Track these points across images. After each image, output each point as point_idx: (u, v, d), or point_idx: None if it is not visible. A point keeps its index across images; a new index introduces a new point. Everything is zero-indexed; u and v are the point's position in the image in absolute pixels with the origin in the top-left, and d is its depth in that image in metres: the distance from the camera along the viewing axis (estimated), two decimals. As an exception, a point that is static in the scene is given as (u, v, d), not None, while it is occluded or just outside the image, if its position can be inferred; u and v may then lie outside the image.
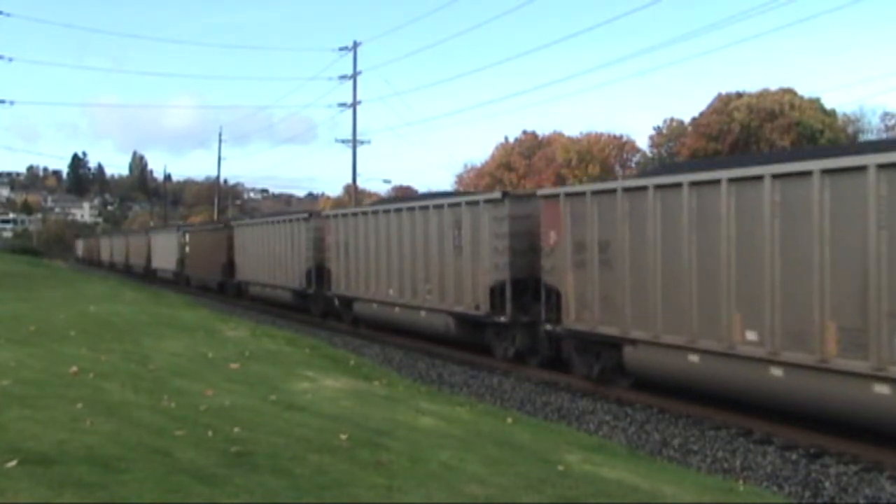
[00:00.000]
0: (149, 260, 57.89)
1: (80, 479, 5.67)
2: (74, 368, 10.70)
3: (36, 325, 15.73)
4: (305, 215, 30.33)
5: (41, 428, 7.15)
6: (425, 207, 21.29)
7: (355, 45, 47.83)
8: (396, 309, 22.61)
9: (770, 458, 11.07)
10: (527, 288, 17.51)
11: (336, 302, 27.18)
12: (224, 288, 40.93)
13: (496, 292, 17.98)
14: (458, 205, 19.82)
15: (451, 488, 6.34)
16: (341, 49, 48.43)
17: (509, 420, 11.20)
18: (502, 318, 17.89)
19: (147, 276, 57.62)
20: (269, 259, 33.38)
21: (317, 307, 29.17)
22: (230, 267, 39.55)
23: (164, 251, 52.85)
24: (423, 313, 21.19)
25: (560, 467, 7.77)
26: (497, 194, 18.47)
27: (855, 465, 10.56)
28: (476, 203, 19.07)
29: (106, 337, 15.08)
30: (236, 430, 7.65)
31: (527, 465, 7.73)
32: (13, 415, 7.65)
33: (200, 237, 46.17)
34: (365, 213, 24.93)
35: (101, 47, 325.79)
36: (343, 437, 7.74)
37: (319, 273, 28.28)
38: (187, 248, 46.82)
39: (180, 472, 6.06)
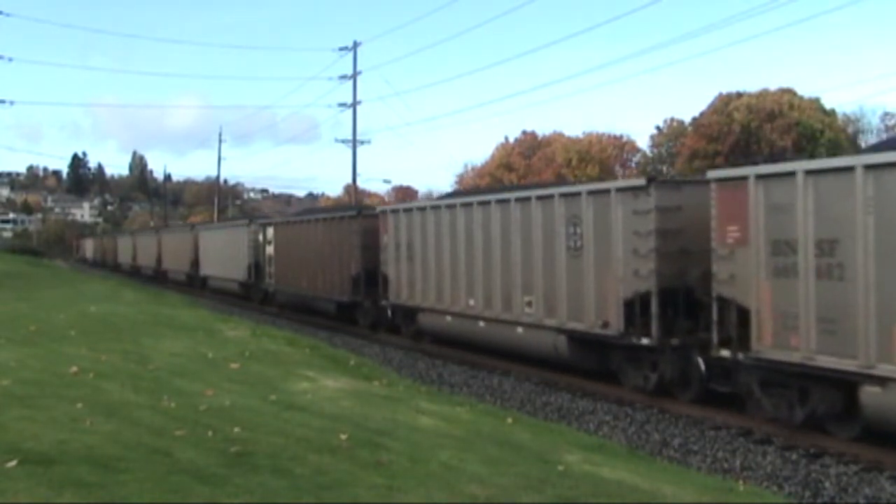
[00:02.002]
0: (194, 264, 46.47)
1: (80, 479, 5.67)
2: (74, 368, 10.70)
3: (36, 325, 15.73)
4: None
5: (41, 428, 7.15)
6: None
7: (355, 45, 47.89)
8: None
9: (770, 458, 11.07)
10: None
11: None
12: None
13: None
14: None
15: (451, 488, 6.34)
16: (341, 49, 48.49)
17: (509, 420, 11.20)
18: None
19: (190, 285, 46.95)
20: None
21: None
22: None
23: (223, 253, 40.75)
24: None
25: (560, 467, 7.77)
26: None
27: (855, 465, 10.55)
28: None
29: (106, 337, 15.08)
30: (236, 430, 7.65)
31: (527, 465, 7.73)
32: (13, 415, 7.65)
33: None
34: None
35: (105, 47, 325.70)
36: (343, 437, 7.74)
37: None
38: (269, 249, 34.03)
39: (180, 472, 6.06)
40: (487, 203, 18.79)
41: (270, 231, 33.57)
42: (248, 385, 10.91)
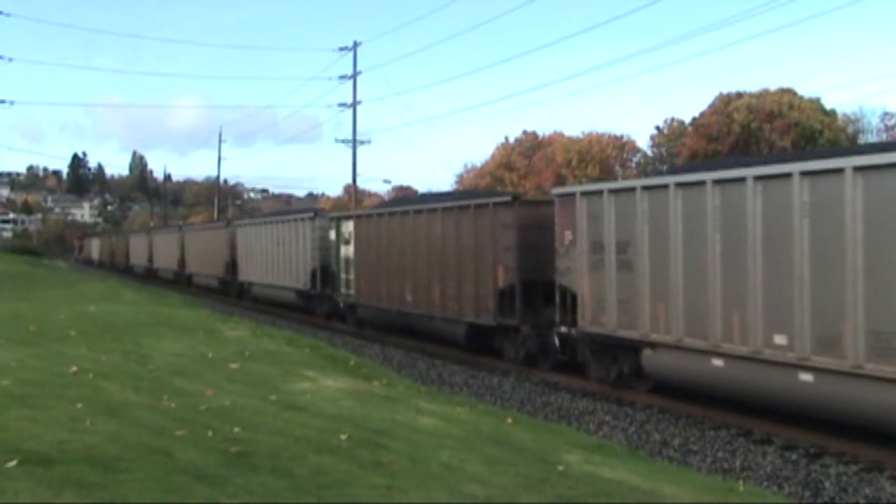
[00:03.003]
0: (230, 268, 38.63)
1: (80, 479, 5.67)
2: (74, 368, 10.71)
3: (36, 325, 15.74)
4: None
5: (41, 428, 7.16)
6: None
7: (355, 45, 47.85)
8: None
9: (770, 458, 11.06)
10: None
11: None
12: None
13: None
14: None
15: (451, 488, 6.34)
16: (341, 49, 48.46)
17: (509, 420, 11.20)
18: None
19: (223, 293, 39.25)
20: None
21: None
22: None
23: (274, 255, 32.52)
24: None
25: (560, 467, 7.77)
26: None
27: (855, 465, 10.55)
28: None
29: (106, 337, 15.09)
30: (236, 430, 7.66)
31: (527, 465, 7.73)
32: (13, 415, 7.66)
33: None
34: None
35: (108, 47, 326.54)
36: (343, 437, 7.74)
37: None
38: (346, 250, 26.36)
39: (180, 472, 6.06)
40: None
41: (349, 226, 26.12)
42: (248, 385, 10.91)
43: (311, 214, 30.15)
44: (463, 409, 11.38)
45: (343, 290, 26.42)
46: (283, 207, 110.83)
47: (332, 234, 27.34)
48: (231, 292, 38.78)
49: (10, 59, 58.86)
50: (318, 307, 28.92)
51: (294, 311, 31.00)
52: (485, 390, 16.33)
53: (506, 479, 6.81)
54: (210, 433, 7.44)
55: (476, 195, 23.84)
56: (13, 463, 5.87)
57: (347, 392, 11.24)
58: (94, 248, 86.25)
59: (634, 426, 13.11)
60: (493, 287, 18.22)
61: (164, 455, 6.55)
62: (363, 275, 24.80)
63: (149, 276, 55.97)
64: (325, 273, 27.97)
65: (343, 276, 26.38)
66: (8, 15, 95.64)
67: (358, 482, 6.25)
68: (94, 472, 5.84)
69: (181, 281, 48.78)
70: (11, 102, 72.62)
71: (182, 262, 48.71)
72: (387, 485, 6.22)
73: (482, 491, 6.32)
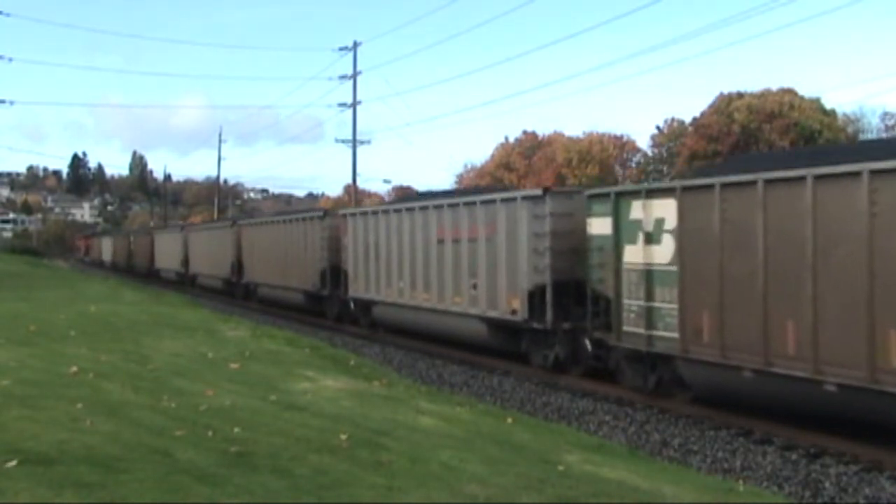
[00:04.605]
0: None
1: (80, 479, 5.67)
2: (74, 368, 10.70)
3: (36, 325, 15.74)
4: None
5: (41, 428, 7.15)
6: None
7: (355, 45, 47.85)
8: None
9: (770, 458, 11.06)
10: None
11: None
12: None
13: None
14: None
15: (451, 488, 6.34)
16: (341, 49, 48.46)
17: (509, 420, 11.20)
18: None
19: (316, 313, 28.79)
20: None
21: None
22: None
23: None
24: None
25: (560, 467, 7.77)
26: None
27: (855, 465, 10.55)
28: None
29: (106, 337, 15.09)
30: (236, 430, 7.65)
31: (527, 465, 7.73)
32: (13, 415, 7.65)
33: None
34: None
35: (110, 47, 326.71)
36: (343, 437, 7.74)
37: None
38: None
39: (180, 472, 6.06)
40: None
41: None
42: (248, 385, 10.91)
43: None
44: (463, 409, 11.38)
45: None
46: (284, 207, 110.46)
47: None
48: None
49: (10, 60, 58.72)
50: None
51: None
52: (485, 390, 16.34)
53: (506, 479, 6.81)
54: (210, 433, 7.44)
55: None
56: (13, 463, 5.87)
57: (347, 392, 11.24)
58: (105, 248, 77.66)
59: (634, 426, 13.11)
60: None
61: (164, 455, 6.55)
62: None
63: (184, 282, 46.94)
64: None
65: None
66: (8, 15, 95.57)
67: (358, 482, 6.25)
68: (94, 472, 5.84)
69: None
70: (11, 102, 72.52)
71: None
72: (387, 485, 6.22)
73: (482, 491, 6.32)
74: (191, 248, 46.13)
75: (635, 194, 14.34)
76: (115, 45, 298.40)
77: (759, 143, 56.39)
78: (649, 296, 13.81)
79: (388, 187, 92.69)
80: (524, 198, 17.39)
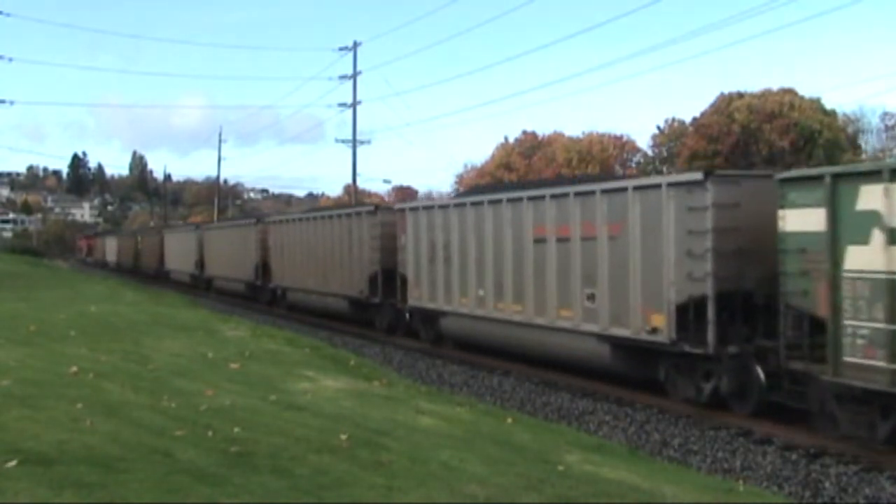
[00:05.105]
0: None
1: (80, 479, 5.67)
2: (74, 368, 10.70)
3: (36, 325, 15.74)
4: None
5: (41, 428, 7.16)
6: None
7: (355, 45, 47.86)
8: None
9: (770, 458, 11.06)
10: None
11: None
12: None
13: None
14: None
15: (451, 488, 6.34)
16: (341, 49, 48.46)
17: (509, 420, 11.20)
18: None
19: (251, 298, 34.07)
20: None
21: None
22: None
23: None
24: None
25: (560, 467, 7.77)
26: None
27: (855, 465, 10.54)
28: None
29: (106, 337, 15.09)
30: (236, 430, 7.66)
31: (527, 465, 7.73)
32: (13, 415, 7.66)
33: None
34: None
35: (111, 47, 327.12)
36: (343, 437, 7.74)
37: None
38: None
39: (180, 472, 6.06)
40: None
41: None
42: (248, 385, 10.91)
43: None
44: (463, 409, 11.38)
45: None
46: (284, 208, 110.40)
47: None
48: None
49: (10, 59, 58.64)
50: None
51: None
52: (485, 390, 16.33)
53: (506, 479, 6.81)
54: (210, 433, 7.44)
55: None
56: (13, 463, 5.87)
57: (347, 392, 11.24)
58: (110, 249, 74.28)
59: (634, 426, 13.11)
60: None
61: (164, 455, 6.55)
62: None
63: (197, 286, 44.30)
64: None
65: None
66: (8, 15, 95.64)
67: (358, 482, 6.26)
68: (94, 472, 5.85)
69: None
70: (11, 102, 72.50)
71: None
72: (387, 485, 6.22)
73: (482, 491, 6.32)
74: (207, 249, 43.12)
75: (868, 176, 10.63)
76: (115, 45, 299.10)
77: (759, 143, 56.39)
78: (894, 316, 10.16)
79: (388, 187, 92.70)
80: (672, 185, 13.67)
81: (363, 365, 16.54)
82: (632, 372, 14.89)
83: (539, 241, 16.62)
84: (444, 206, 20.53)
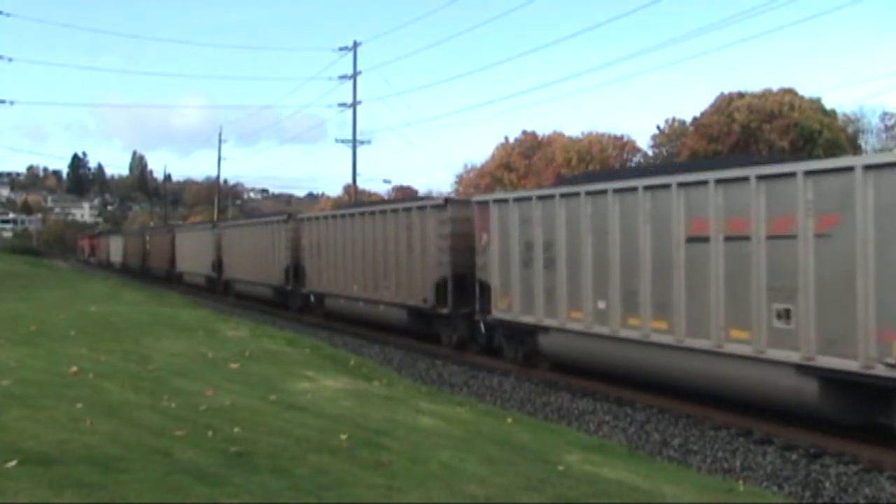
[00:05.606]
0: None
1: (80, 479, 5.67)
2: (74, 368, 10.71)
3: (36, 325, 15.74)
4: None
5: (41, 428, 7.16)
6: None
7: (355, 45, 47.87)
8: None
9: (770, 458, 11.06)
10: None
11: None
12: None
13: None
14: None
15: (451, 488, 6.34)
16: (341, 49, 48.47)
17: (509, 420, 11.19)
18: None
19: (279, 304, 31.58)
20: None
21: None
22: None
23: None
24: None
25: (560, 467, 7.77)
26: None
27: (855, 465, 10.54)
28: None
29: (106, 337, 15.09)
30: (236, 430, 7.66)
31: (527, 465, 7.73)
32: (13, 415, 7.66)
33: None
34: None
35: (111, 47, 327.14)
36: (343, 437, 7.74)
37: None
38: None
39: (180, 472, 6.06)
40: None
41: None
42: (248, 385, 10.91)
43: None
44: (463, 409, 11.38)
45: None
46: (284, 208, 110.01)
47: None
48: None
49: (10, 60, 58.81)
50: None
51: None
52: (485, 390, 16.32)
53: (506, 479, 6.81)
54: (210, 433, 7.44)
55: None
56: (13, 463, 5.87)
57: (347, 392, 11.25)
58: (114, 248, 70.46)
59: (634, 426, 13.11)
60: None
61: (164, 455, 6.55)
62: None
63: (214, 289, 41.05)
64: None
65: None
66: (8, 15, 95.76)
67: (358, 482, 6.26)
68: (94, 472, 5.85)
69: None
70: (12, 102, 72.73)
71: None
72: (387, 485, 6.22)
73: (482, 491, 6.32)
74: (226, 249, 39.43)
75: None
76: (115, 45, 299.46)
77: (759, 143, 56.39)
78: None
79: (388, 187, 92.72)
80: None
81: (363, 365, 16.54)
82: (841, 412, 11.27)
83: (693, 240, 13.12)
84: (545, 197, 16.63)
